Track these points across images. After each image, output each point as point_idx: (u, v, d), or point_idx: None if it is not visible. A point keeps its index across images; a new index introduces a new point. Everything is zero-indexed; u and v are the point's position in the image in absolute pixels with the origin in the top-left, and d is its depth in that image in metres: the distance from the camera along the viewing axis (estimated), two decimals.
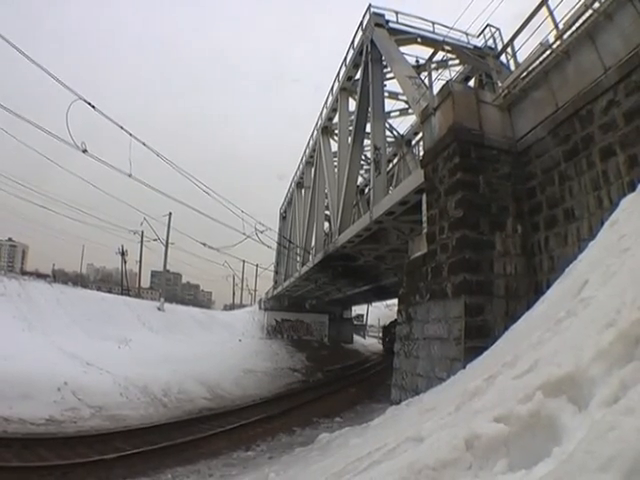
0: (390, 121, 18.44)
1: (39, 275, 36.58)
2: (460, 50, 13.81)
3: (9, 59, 14.70)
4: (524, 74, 7.87)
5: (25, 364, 11.28)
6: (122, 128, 12.47)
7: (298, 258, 23.64)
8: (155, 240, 30.23)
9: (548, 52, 7.20)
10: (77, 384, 11.79)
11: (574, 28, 6.77)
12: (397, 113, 18.13)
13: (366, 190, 20.33)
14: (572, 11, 6.68)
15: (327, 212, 19.65)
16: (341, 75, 17.16)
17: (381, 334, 40.02)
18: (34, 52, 10.69)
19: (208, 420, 11.97)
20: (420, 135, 15.08)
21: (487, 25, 13.17)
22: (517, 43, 10.37)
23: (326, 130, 19.73)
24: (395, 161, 20.20)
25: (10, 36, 9.88)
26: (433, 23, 14.05)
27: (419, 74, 12.94)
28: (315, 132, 21.18)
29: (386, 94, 15.08)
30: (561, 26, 7.12)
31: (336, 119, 18.44)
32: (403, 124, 22.17)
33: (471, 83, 13.75)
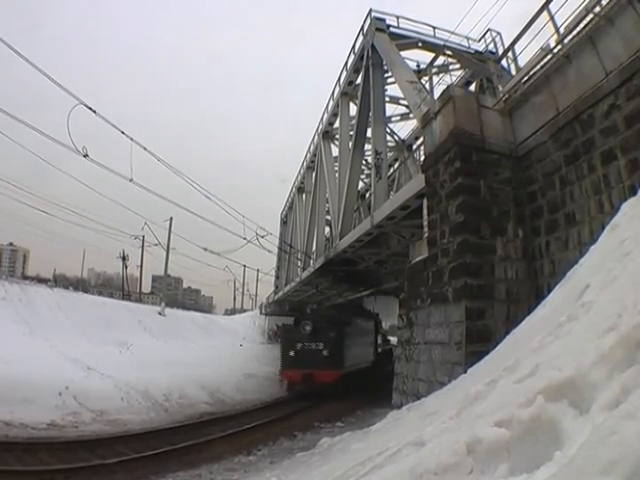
0: (391, 126, 18.50)
1: (40, 280, 36.68)
2: (461, 55, 13.85)
3: (9, 62, 14.76)
4: (525, 78, 7.89)
5: (26, 368, 11.26)
6: (123, 133, 12.56)
7: (299, 263, 23.59)
8: (156, 245, 30.39)
9: (549, 56, 7.21)
10: (78, 388, 11.76)
11: (575, 32, 6.78)
12: (398, 118, 18.16)
13: (367, 195, 20.35)
14: (573, 15, 6.70)
15: (328, 217, 19.64)
16: (342, 80, 17.19)
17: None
18: (34, 55, 10.75)
19: (209, 425, 11.93)
20: (421, 140, 15.14)
21: (488, 29, 13.22)
22: (518, 47, 10.39)
23: (327, 135, 19.74)
24: (396, 166, 20.22)
25: (10, 38, 9.95)
26: (434, 28, 14.09)
27: (420, 79, 12.97)
28: (316, 137, 21.20)
29: (387, 99, 15.11)
30: (562, 30, 7.12)
31: (337, 124, 18.46)
32: (404, 129, 22.21)
33: (472, 88, 13.80)
